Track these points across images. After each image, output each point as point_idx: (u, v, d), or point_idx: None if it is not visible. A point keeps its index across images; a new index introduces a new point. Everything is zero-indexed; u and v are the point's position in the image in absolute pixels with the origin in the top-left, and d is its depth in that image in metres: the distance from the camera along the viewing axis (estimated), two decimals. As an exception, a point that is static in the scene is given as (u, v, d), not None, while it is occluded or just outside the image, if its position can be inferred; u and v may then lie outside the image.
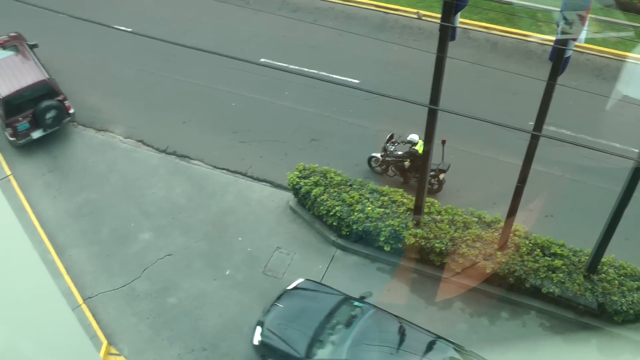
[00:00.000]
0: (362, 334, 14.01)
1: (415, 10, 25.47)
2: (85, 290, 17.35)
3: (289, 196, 19.14)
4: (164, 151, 21.14)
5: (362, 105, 21.67)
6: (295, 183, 18.21)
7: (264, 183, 19.91)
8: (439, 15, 12.86)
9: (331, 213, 17.43)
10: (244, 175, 20.18)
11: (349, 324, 14.30)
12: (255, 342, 14.95)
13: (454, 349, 14.03)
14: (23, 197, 19.68)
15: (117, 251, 18.24)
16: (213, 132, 21.58)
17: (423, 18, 25.19)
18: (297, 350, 14.15)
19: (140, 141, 21.56)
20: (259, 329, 15.02)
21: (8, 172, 20.44)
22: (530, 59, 23.10)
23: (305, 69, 22.95)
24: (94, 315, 16.76)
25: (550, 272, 15.59)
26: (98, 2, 27.52)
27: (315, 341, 14.17)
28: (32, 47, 22.27)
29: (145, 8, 27.17)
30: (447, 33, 12.71)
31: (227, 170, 20.34)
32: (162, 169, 20.49)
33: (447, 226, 16.55)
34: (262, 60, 23.40)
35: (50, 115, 20.55)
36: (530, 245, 16.08)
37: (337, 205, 17.40)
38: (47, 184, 20.19)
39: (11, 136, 20.49)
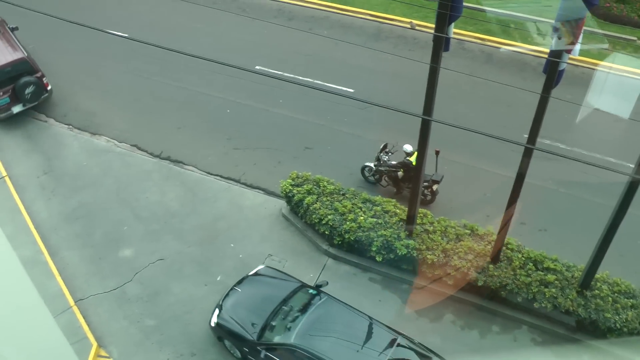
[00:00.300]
0: (312, 320, 14.59)
1: (409, 20, 25.58)
2: (77, 292, 17.29)
3: (281, 204, 19.12)
4: (158, 156, 21.12)
5: (357, 114, 21.72)
6: (288, 191, 18.21)
7: (257, 190, 19.89)
8: (434, 26, 12.88)
9: (323, 222, 17.42)
10: (237, 182, 20.17)
11: (301, 310, 14.88)
12: (212, 323, 15.68)
13: (402, 341, 14.29)
14: (18, 198, 19.64)
15: (110, 254, 18.18)
16: (207, 138, 21.58)
17: (417, 28, 25.29)
18: (249, 333, 14.90)
19: (134, 145, 21.53)
20: (216, 312, 15.71)
21: (4, 173, 20.41)
22: (525, 70, 23.22)
23: (300, 77, 23.02)
24: (84, 317, 16.67)
25: (542, 286, 15.51)
26: (94, 6, 27.58)
27: (268, 325, 14.88)
28: (13, 29, 23.43)
29: (141, 14, 27.21)
30: (440, 44, 12.72)
31: (221, 176, 20.32)
32: (156, 173, 20.46)
33: (440, 237, 16.55)
34: (257, 67, 23.45)
35: (29, 90, 21.84)
36: (523, 259, 16.06)
37: (330, 214, 17.39)
38: (41, 185, 20.15)
39: None
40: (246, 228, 18.66)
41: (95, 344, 16.03)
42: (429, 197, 18.72)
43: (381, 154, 19.15)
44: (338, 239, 17.33)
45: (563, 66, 11.96)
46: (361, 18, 26.25)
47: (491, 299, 16.24)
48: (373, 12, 26.36)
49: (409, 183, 18.58)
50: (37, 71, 22.05)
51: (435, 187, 18.46)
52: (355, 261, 17.56)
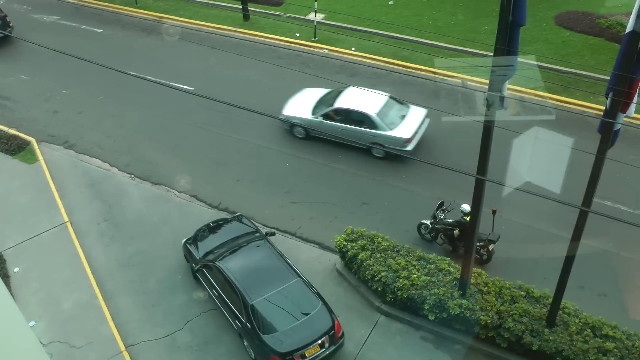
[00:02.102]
0: (241, 253, 17.71)
1: (462, 77, 25.62)
2: (128, 338, 17.48)
3: (336, 259, 19.06)
4: (216, 207, 21.43)
5: (415, 171, 21.65)
6: (342, 246, 18.16)
7: (312, 244, 19.90)
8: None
9: (376, 278, 17.26)
10: (293, 235, 20.23)
11: (239, 245, 17.99)
12: (182, 242, 19.37)
13: (299, 282, 16.80)
14: (78, 244, 20.15)
15: (162, 302, 18.38)
16: (265, 191, 21.82)
17: (468, 85, 25.22)
18: (197, 253, 18.44)
19: (194, 196, 21.94)
20: (189, 236, 19.30)
21: (66, 218, 21.03)
22: (587, 130, 22.53)
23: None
24: (134, 364, 16.86)
25: (600, 354, 14.83)
26: (165, 60, 28.58)
27: (211, 251, 18.25)
28: None
29: (209, 68, 28.01)
30: (494, 102, 12.58)
31: (277, 229, 20.39)
32: (213, 224, 20.72)
33: (494, 298, 16.16)
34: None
35: None
36: (580, 324, 15.48)
37: (383, 271, 17.23)
38: (101, 232, 20.65)
39: None
40: (299, 281, 18.62)
41: (143, 391, 16.13)
42: (484, 257, 18.37)
43: (438, 212, 18.96)
44: (391, 296, 17.12)
45: (618, 126, 11.68)
46: (421, 76, 26.28)
47: (546, 364, 15.69)
48: (433, 69, 26.47)
49: (465, 242, 18.29)
50: (2, 12, 30.08)
51: (491, 246, 18.12)
52: (407, 319, 17.26)
